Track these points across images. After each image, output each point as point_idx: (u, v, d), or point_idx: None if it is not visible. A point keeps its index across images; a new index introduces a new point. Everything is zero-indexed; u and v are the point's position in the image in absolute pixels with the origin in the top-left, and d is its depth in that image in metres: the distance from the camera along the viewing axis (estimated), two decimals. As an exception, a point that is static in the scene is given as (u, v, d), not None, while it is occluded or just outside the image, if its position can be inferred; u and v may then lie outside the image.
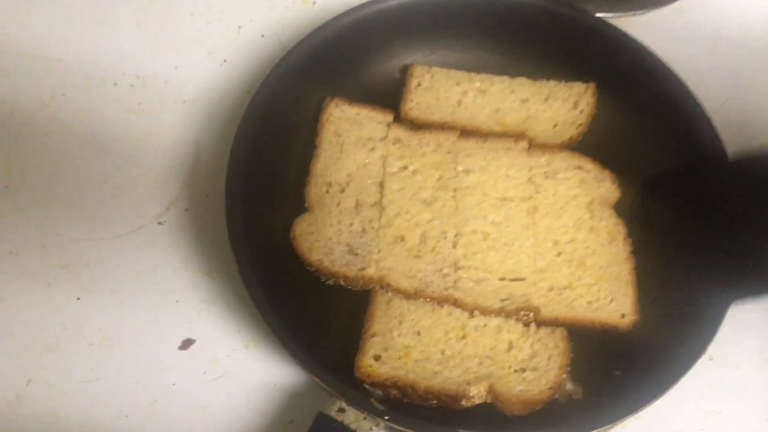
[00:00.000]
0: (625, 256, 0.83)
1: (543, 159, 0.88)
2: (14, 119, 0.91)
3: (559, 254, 0.83)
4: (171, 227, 0.87)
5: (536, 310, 0.79)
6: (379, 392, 0.74)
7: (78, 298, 0.82)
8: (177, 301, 0.82)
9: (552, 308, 0.80)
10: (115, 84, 0.95)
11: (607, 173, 0.87)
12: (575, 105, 0.91)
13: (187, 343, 0.80)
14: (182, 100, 0.95)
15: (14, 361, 0.78)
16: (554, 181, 0.86)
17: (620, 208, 0.86)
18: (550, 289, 0.81)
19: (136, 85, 0.95)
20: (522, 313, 0.79)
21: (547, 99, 0.92)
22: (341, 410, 0.70)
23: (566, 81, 0.93)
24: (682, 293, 0.80)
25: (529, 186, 0.86)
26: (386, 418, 0.68)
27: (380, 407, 0.71)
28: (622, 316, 0.80)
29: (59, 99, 0.93)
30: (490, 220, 0.84)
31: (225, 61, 0.97)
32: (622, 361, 0.78)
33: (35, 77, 0.94)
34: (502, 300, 0.80)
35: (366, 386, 0.75)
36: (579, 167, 0.87)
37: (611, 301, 0.80)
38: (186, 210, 0.88)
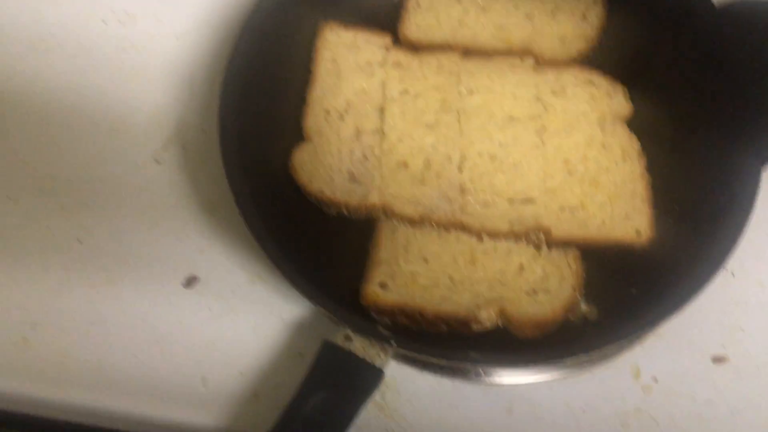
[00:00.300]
0: (640, 172, 0.79)
1: (551, 75, 0.84)
2: (4, 60, 0.89)
3: (570, 173, 0.79)
4: (169, 165, 0.85)
5: (547, 231, 0.76)
6: (387, 320, 0.73)
7: (79, 241, 0.80)
8: (178, 239, 0.81)
9: (564, 228, 0.77)
10: (104, 21, 0.92)
11: (619, 87, 0.83)
12: (583, 17, 0.87)
13: (191, 281, 0.79)
14: (173, 35, 0.92)
15: (19, 305, 0.78)
16: (563, 98, 0.83)
17: (633, 124, 0.82)
18: (562, 209, 0.78)
19: (126, 22, 0.92)
20: (532, 234, 0.76)
21: (553, 13, 0.87)
22: (347, 338, 0.68)
23: (573, -7, 0.88)
24: (698, 208, 0.77)
25: (536, 104, 0.82)
26: (393, 343, 0.67)
27: (387, 333, 0.69)
28: (638, 233, 0.76)
29: (49, 39, 0.91)
30: (496, 142, 0.81)
31: (215, -8, 0.94)
32: (638, 279, 0.75)
33: (21, 19, 0.92)
34: (512, 222, 0.77)
35: (373, 315, 0.73)
36: (589, 82, 0.83)
37: (626, 218, 0.77)
38: (183, 147, 0.86)
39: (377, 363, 0.68)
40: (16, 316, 0.77)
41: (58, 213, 0.82)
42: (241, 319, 0.77)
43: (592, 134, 0.81)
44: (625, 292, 0.75)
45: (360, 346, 0.68)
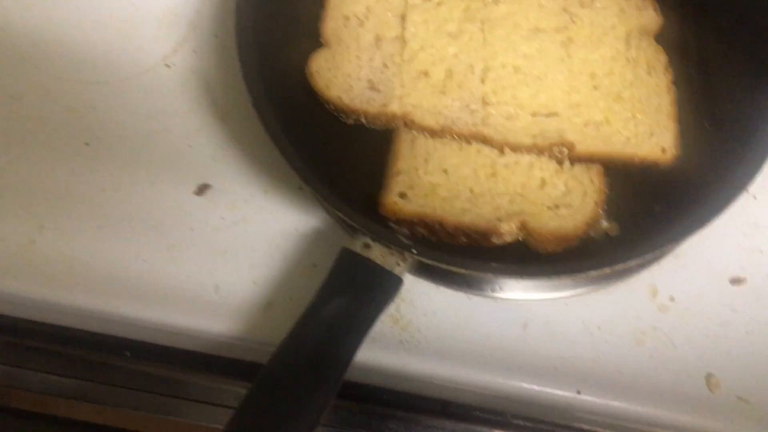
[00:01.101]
0: (666, 87, 0.77)
1: (578, -14, 0.81)
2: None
3: (595, 87, 0.77)
4: (179, 70, 0.82)
5: (571, 146, 0.74)
6: (405, 230, 0.71)
7: (86, 144, 0.78)
8: (190, 146, 0.78)
9: (588, 144, 0.75)
10: None
11: (649, 1, 0.80)
12: (615, -74, 0.83)
13: (203, 189, 0.77)
14: (185, -65, 0.88)
15: (25, 207, 0.75)
16: (591, 10, 0.80)
17: (662, 39, 0.80)
18: (586, 124, 0.76)
19: None
20: (555, 148, 0.74)
21: None
22: (366, 246, 0.67)
23: None
24: (725, 126, 0.75)
25: (563, 16, 0.79)
26: (413, 251, 0.65)
27: (407, 242, 0.68)
28: (663, 150, 0.75)
29: (53, -64, 0.87)
30: (521, 53, 0.78)
31: None
32: (661, 197, 0.74)
33: None
34: (534, 136, 0.75)
35: (391, 225, 0.71)
36: None
37: (651, 135, 0.75)
38: (194, 52, 0.83)
39: (396, 271, 0.66)
40: (24, 219, 0.75)
41: (65, 114, 0.79)
42: (255, 228, 0.75)
43: (618, 48, 0.79)
44: (647, 209, 0.73)
45: (379, 254, 0.67)
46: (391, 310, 0.72)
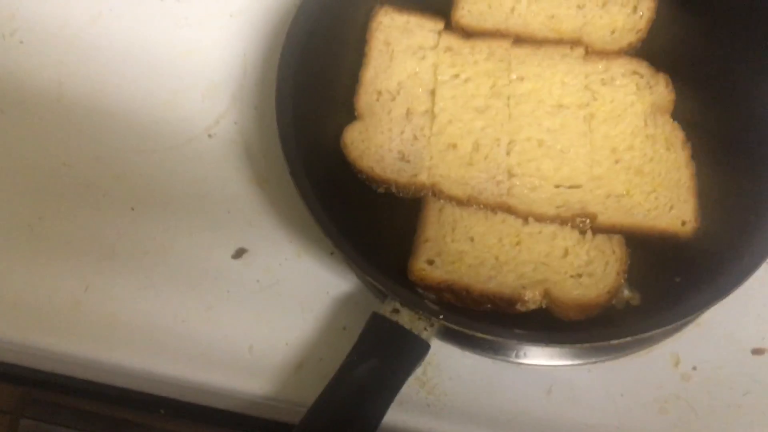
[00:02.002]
0: (685, 162, 0.80)
1: (600, 65, 0.85)
2: (64, 33, 0.92)
3: (617, 161, 0.80)
4: (220, 140, 0.87)
5: (593, 217, 0.77)
6: (432, 296, 0.74)
7: (132, 208, 0.82)
8: (228, 211, 0.83)
9: (609, 215, 0.77)
10: (162, -1, 0.95)
11: (661, 76, 0.83)
12: (634, 10, 0.87)
13: (240, 252, 0.81)
14: (228, 13, 0.94)
15: (72, 268, 0.80)
16: (612, 88, 0.83)
17: (679, 114, 0.83)
18: (608, 196, 0.78)
19: (182, 0, 0.95)
20: (578, 220, 0.77)
21: (604, 4, 0.88)
22: (395, 311, 0.69)
23: (624, -14, 0.89)
24: (744, 198, 0.77)
25: (585, 93, 0.83)
26: (441, 317, 0.68)
27: (435, 307, 0.70)
28: (683, 223, 0.77)
29: (107, 14, 0.93)
30: (545, 128, 0.82)
31: (271, -28, 0.96)
32: (682, 267, 0.76)
33: (83, -8, 0.95)
34: (558, 207, 0.78)
35: (419, 290, 0.74)
36: (635, 72, 0.84)
37: (671, 208, 0.78)
38: (235, 123, 0.87)
39: (424, 336, 0.69)
40: (71, 279, 0.79)
41: (113, 181, 0.84)
42: (288, 291, 0.79)
43: (637, 124, 0.82)
44: (668, 279, 0.75)
45: (408, 318, 0.69)
46: (418, 373, 0.74)
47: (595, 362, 0.75)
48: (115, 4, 0.93)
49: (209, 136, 0.87)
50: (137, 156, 0.85)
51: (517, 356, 0.76)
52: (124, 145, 0.86)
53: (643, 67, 0.85)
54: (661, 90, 0.83)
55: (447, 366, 0.75)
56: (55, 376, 0.80)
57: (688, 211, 0.78)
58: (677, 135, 0.81)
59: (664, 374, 0.75)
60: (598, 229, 0.77)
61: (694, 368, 0.76)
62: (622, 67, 0.85)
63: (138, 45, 0.91)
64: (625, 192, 0.79)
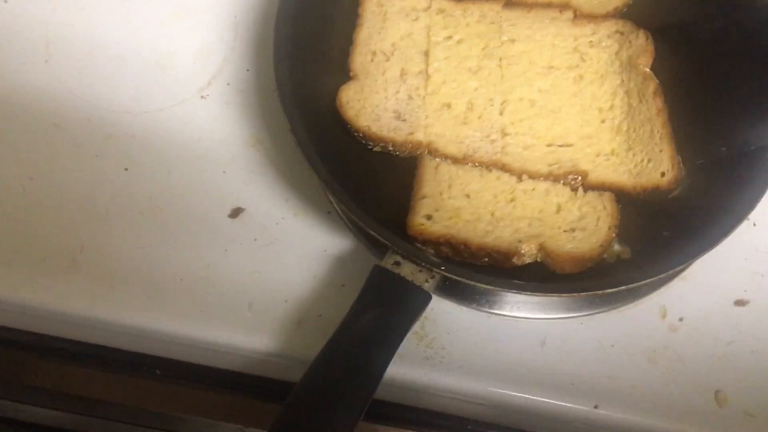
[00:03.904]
0: (656, 111, 0.81)
1: (588, 28, 0.86)
2: (50, -6, 0.91)
3: (602, 121, 0.82)
4: (214, 101, 0.86)
5: (584, 174, 0.79)
6: (431, 250, 0.75)
7: (125, 169, 0.82)
8: (224, 172, 0.83)
9: (599, 173, 0.80)
10: (150, -40, 0.94)
11: (641, 32, 0.85)
12: (621, -25, 0.90)
13: (236, 212, 0.81)
14: (218, -24, 0.94)
15: (67, 229, 0.79)
16: (598, 49, 0.86)
17: (659, 68, 0.83)
18: (597, 155, 0.80)
19: (171, -39, 0.94)
20: (570, 177, 0.79)
21: (591, -30, 0.90)
22: (397, 263, 0.71)
23: (611, -49, 0.91)
24: (726, 153, 0.80)
25: (574, 55, 0.85)
26: (443, 268, 0.69)
27: (436, 259, 0.72)
28: (662, 174, 0.79)
29: (94, -26, 0.92)
30: (536, 88, 0.83)
31: (260, -67, 0.95)
32: (670, 222, 0.78)
33: (68, -47, 0.93)
34: (550, 165, 0.80)
35: (418, 245, 0.75)
36: (618, 31, 0.86)
37: (649, 161, 0.79)
38: (228, 84, 0.87)
39: (425, 287, 0.70)
40: (66, 240, 0.78)
41: (105, 141, 0.83)
42: (286, 249, 0.79)
43: (616, 81, 0.84)
44: (657, 233, 0.78)
45: (409, 270, 0.71)
46: (416, 328, 0.76)
47: (586, 315, 0.78)
48: (104, -35, 0.93)
49: (202, 97, 0.86)
50: (129, 117, 0.84)
51: (512, 310, 0.78)
52: (116, 106, 0.85)
53: (626, 26, 0.86)
54: (640, 43, 0.85)
55: (444, 321, 0.77)
56: (48, 338, 0.80)
57: (665, 161, 0.79)
58: (649, 84, 0.82)
59: (653, 326, 0.78)
60: (589, 187, 0.79)
61: (681, 319, 0.78)
62: (607, 28, 0.87)
63: (126, 6, 0.90)
64: (610, 151, 0.81)
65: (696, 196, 0.79)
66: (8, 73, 0.86)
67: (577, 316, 0.78)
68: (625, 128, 0.82)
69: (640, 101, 0.82)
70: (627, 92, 0.83)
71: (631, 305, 0.79)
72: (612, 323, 0.78)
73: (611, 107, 0.83)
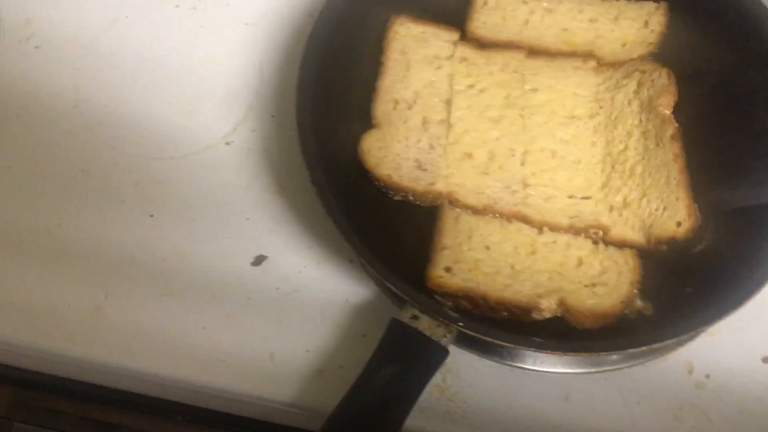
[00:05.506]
0: (673, 156, 0.79)
1: (608, 74, 0.86)
2: (80, 40, 0.92)
3: (614, 165, 0.81)
4: (238, 147, 0.87)
5: (606, 229, 0.78)
6: (449, 303, 0.75)
7: (151, 215, 0.83)
8: (248, 219, 0.83)
9: (619, 229, 0.78)
10: (177, 6, 0.95)
11: (664, 70, 0.83)
12: (645, 24, 0.89)
13: (259, 260, 0.81)
14: (243, 22, 0.95)
15: (92, 275, 0.80)
16: (615, 91, 0.85)
17: (679, 111, 0.81)
18: (611, 208, 0.79)
19: (198, 8, 0.95)
20: (591, 231, 0.79)
21: (616, 18, 0.89)
22: (414, 317, 0.70)
23: (636, 0, 0.90)
24: (751, 208, 0.78)
25: (595, 103, 0.85)
26: (460, 324, 0.69)
27: (454, 315, 0.72)
28: (678, 224, 0.77)
29: (123, 21, 0.94)
30: (558, 138, 0.83)
31: (285, -18, 0.97)
32: (694, 278, 0.77)
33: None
34: (571, 218, 0.79)
35: (437, 297, 0.75)
36: (637, 70, 0.85)
37: (664, 209, 0.78)
38: (253, 131, 0.88)
39: (443, 342, 0.70)
40: (91, 286, 0.79)
41: (132, 188, 0.84)
42: (308, 298, 0.80)
43: (632, 122, 0.82)
44: (680, 290, 0.76)
45: (427, 325, 0.70)
46: (437, 380, 0.75)
47: (611, 370, 0.77)
48: (131, 11, 0.94)
49: (227, 143, 0.87)
50: (155, 163, 0.86)
51: (534, 364, 0.77)
52: (142, 152, 0.86)
53: (647, 65, 0.85)
54: (661, 83, 0.83)
55: (466, 374, 0.77)
56: (71, 382, 0.81)
57: (681, 210, 0.77)
58: (667, 128, 0.80)
59: (679, 382, 0.77)
60: (610, 242, 0.78)
61: (708, 376, 0.77)
62: (627, 68, 0.86)
63: (154, 52, 0.92)
64: (622, 200, 0.79)
65: (721, 251, 0.78)
66: (38, 119, 0.88)
67: (602, 371, 0.77)
68: (639, 171, 0.80)
69: (657, 145, 0.80)
70: (644, 133, 0.82)
71: (656, 360, 0.77)
72: (637, 379, 0.77)
73: (625, 149, 0.81)
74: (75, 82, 0.90)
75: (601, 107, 0.85)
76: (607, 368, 0.76)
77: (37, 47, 0.92)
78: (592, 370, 0.76)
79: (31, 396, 0.84)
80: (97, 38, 0.93)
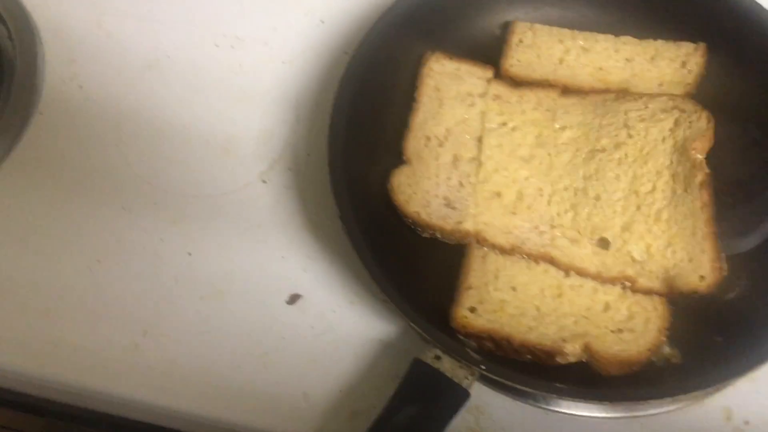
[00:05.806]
0: (701, 205, 0.77)
1: (641, 102, 0.84)
2: (122, 79, 0.95)
3: (638, 207, 0.80)
4: (275, 185, 0.89)
5: (632, 281, 0.78)
6: (473, 344, 0.76)
7: (189, 253, 0.86)
8: (283, 257, 0.85)
9: (644, 281, 0.77)
10: (217, 45, 0.97)
11: (704, 113, 0.82)
12: (683, 65, 0.88)
13: (294, 298, 0.83)
14: (281, 60, 0.96)
15: (131, 312, 0.83)
16: (649, 123, 0.83)
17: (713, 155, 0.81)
18: (633, 260, 0.78)
19: (236, 47, 0.97)
20: (617, 282, 0.78)
21: (653, 58, 0.88)
22: (437, 358, 0.71)
23: (674, 40, 0.89)
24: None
25: (623, 131, 0.83)
26: (482, 367, 0.70)
27: (476, 357, 0.72)
28: (701, 278, 0.75)
29: (164, 60, 0.96)
30: (581, 175, 0.82)
31: (322, 21, 0.98)
32: (723, 327, 0.76)
33: (139, 39, 0.97)
34: (599, 268, 0.78)
35: (460, 337, 0.76)
36: (676, 107, 0.84)
37: (689, 261, 0.77)
38: (289, 169, 0.90)
39: (464, 384, 0.71)
40: (129, 323, 0.82)
41: (170, 226, 0.87)
42: (342, 338, 0.81)
43: (663, 161, 0.81)
44: (710, 339, 0.76)
45: (449, 366, 0.71)
46: (470, 423, 0.76)
47: (646, 416, 0.76)
48: (172, 50, 0.97)
49: (263, 181, 0.89)
50: (193, 201, 0.88)
51: (569, 408, 0.77)
52: (182, 190, 0.89)
53: (687, 104, 0.84)
54: (700, 126, 0.81)
55: (500, 416, 0.77)
56: (106, 416, 0.83)
57: (705, 263, 0.76)
58: (696, 174, 0.78)
59: (717, 429, 0.76)
60: (637, 291, 0.78)
61: (746, 422, 0.76)
62: (664, 102, 0.84)
63: (194, 91, 0.94)
64: (645, 248, 0.78)
65: (754, 300, 0.76)
66: (80, 156, 0.91)
67: (637, 417, 0.76)
68: (665, 217, 0.79)
69: (685, 190, 0.79)
70: (673, 176, 0.80)
71: (694, 406, 0.77)
72: (674, 424, 0.76)
73: (653, 189, 0.80)
74: (117, 120, 0.93)
75: (630, 136, 0.83)
76: (642, 413, 0.76)
77: (80, 86, 0.95)
78: (627, 415, 0.76)
79: (65, 427, 0.87)
80: (138, 77, 0.95)
